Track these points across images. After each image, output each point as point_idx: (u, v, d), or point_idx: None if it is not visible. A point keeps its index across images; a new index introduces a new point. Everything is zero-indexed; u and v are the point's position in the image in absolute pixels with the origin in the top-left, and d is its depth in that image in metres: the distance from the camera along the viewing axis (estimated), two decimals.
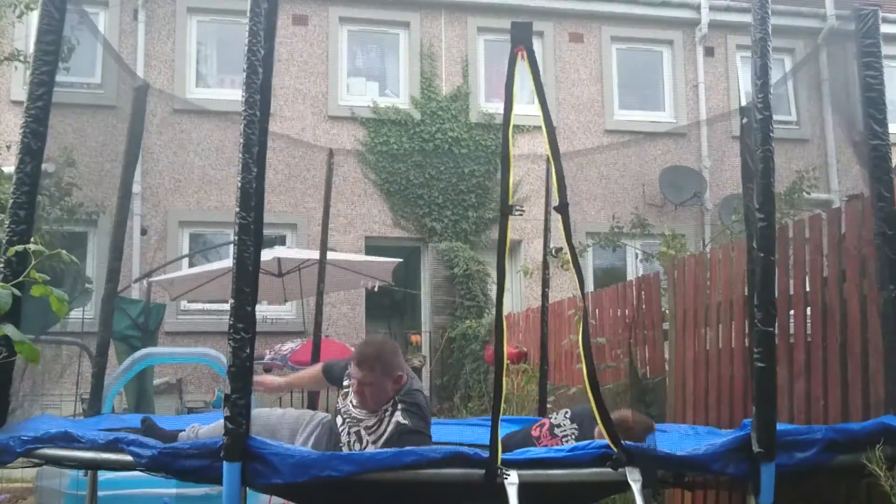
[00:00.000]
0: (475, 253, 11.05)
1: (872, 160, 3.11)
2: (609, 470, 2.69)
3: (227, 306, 2.56)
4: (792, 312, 3.89)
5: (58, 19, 3.19)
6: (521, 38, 2.89)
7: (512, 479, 2.59)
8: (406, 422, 3.26)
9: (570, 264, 2.93)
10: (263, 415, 3.56)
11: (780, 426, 3.26)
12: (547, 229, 5.59)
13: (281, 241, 10.94)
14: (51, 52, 3.19)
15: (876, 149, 3.11)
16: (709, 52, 12.71)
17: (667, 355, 5.09)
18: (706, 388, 4.52)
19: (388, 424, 3.31)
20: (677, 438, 3.69)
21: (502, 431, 2.82)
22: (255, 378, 3.43)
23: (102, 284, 4.73)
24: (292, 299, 10.17)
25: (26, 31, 9.28)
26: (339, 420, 3.44)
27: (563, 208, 2.88)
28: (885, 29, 3.33)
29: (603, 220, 11.27)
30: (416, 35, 12.11)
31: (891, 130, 3.25)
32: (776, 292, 2.90)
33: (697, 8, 12.52)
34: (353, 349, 8.80)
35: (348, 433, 3.37)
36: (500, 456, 2.68)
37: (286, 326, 10.79)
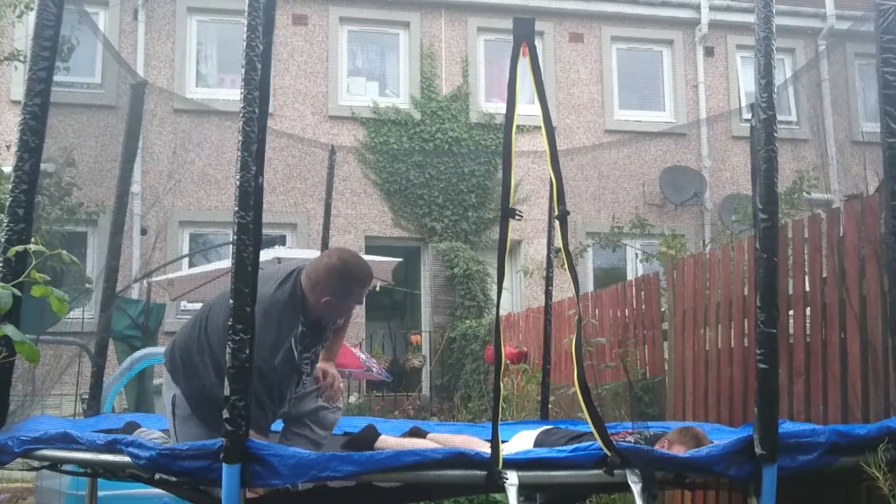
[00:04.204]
0: (475, 253, 11.04)
1: (888, 158, 3.07)
2: None
3: None
4: (791, 312, 3.88)
5: (56, 14, 3.17)
6: (524, 35, 2.88)
7: (512, 481, 2.58)
8: None
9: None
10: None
11: (785, 425, 3.27)
12: (551, 227, 5.58)
13: (281, 240, 10.91)
14: (48, 48, 3.16)
15: (892, 147, 3.06)
16: (709, 52, 12.71)
17: (666, 355, 5.08)
18: (705, 388, 4.52)
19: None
20: None
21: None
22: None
23: (102, 284, 4.72)
24: None
25: (26, 31, 9.27)
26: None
27: (562, 216, 2.89)
28: None
29: (603, 220, 11.26)
30: (416, 35, 12.10)
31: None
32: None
33: (697, 8, 12.52)
34: (357, 348, 8.75)
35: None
36: (502, 457, 2.68)
37: None
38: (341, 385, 3.64)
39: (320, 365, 3.54)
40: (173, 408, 3.28)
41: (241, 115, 2.54)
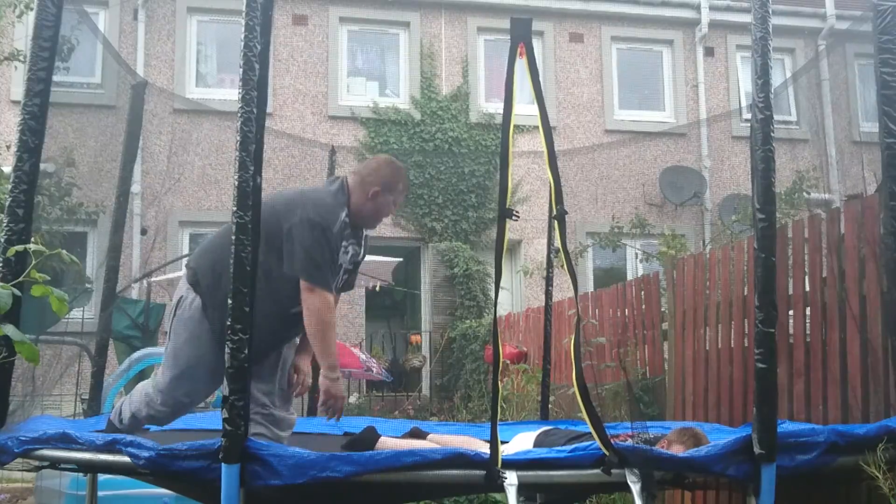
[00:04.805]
0: (475, 253, 11.05)
1: (887, 159, 3.08)
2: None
3: None
4: (791, 312, 3.89)
5: (55, 14, 3.17)
6: (521, 35, 2.88)
7: (511, 481, 2.58)
8: None
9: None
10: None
11: (784, 425, 3.27)
12: (551, 227, 5.58)
13: None
14: (48, 49, 3.16)
15: (890, 147, 3.06)
16: (709, 52, 12.72)
17: (666, 355, 5.08)
18: (705, 388, 4.52)
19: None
20: None
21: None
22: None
23: (102, 284, 4.72)
24: None
25: (26, 31, 9.26)
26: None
27: (560, 217, 2.90)
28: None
29: (603, 220, 11.26)
30: (416, 35, 12.11)
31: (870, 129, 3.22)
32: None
33: (697, 8, 12.52)
34: (357, 348, 8.74)
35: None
36: (501, 457, 2.68)
37: None
38: (307, 386, 3.72)
39: (296, 359, 3.64)
40: (176, 308, 3.43)
41: (239, 114, 2.54)
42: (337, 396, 3.42)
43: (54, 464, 3.16)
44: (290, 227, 3.26)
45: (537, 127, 2.93)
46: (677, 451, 3.28)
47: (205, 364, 3.33)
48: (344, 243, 3.43)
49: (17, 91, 10.34)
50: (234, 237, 2.52)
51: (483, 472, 2.63)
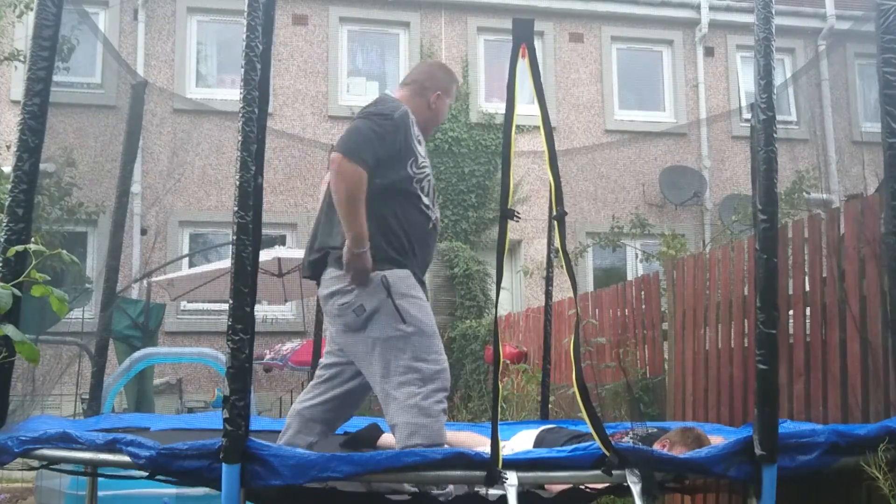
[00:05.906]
0: (475, 253, 11.03)
1: (889, 158, 3.08)
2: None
3: (227, 306, 2.54)
4: (791, 312, 3.88)
5: (55, 14, 3.17)
6: (523, 36, 2.88)
7: (511, 481, 2.58)
8: None
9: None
10: None
11: (785, 424, 3.27)
12: (551, 227, 5.57)
13: (281, 240, 10.93)
14: (48, 48, 3.16)
15: (892, 147, 3.07)
16: (709, 52, 12.72)
17: (666, 355, 5.08)
18: (705, 388, 4.52)
19: None
20: None
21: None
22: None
23: (102, 284, 4.72)
24: (292, 299, 10.16)
25: (26, 31, 9.26)
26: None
27: (559, 217, 2.90)
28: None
29: (603, 220, 11.26)
30: (416, 35, 12.10)
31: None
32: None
33: (697, 8, 12.52)
34: None
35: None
36: (501, 457, 2.68)
37: (286, 326, 10.77)
38: None
39: None
40: (388, 290, 3.10)
41: (241, 115, 2.54)
42: (359, 269, 3.04)
43: (54, 463, 3.15)
44: None
45: (538, 126, 2.92)
46: (679, 452, 3.28)
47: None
48: (417, 135, 3.28)
49: (17, 91, 10.34)
50: (234, 237, 2.52)
51: (483, 473, 2.63)
